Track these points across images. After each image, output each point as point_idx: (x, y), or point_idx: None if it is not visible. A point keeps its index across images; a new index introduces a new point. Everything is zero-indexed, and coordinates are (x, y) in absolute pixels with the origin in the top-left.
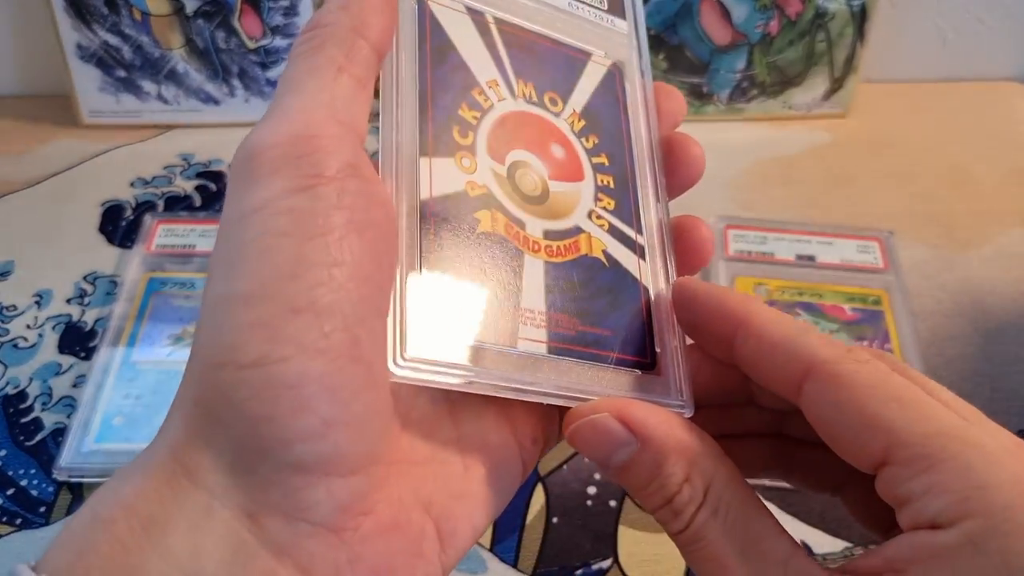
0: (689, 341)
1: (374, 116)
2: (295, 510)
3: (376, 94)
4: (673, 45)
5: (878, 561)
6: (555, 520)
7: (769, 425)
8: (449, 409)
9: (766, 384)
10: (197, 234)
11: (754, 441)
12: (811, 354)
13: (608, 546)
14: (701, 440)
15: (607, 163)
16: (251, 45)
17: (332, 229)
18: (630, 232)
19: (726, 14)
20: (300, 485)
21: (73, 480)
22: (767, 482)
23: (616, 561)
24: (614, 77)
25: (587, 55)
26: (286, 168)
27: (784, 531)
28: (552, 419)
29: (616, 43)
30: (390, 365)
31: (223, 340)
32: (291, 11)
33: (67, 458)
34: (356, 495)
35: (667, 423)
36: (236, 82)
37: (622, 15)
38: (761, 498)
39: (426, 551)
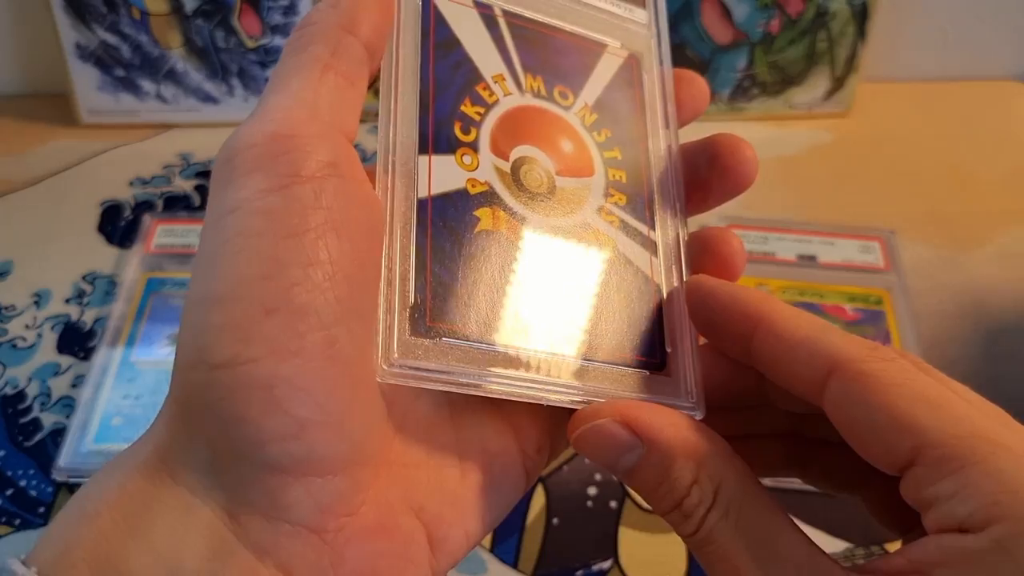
0: (702, 340)
1: (373, 115)
2: (274, 510)
3: (377, 92)
4: (674, 44)
5: (902, 562)
6: (555, 521)
7: (785, 426)
8: (449, 413)
9: (786, 384)
10: (196, 234)
11: (770, 440)
12: (835, 353)
13: (608, 547)
14: (710, 441)
15: (620, 157)
16: (250, 44)
17: (308, 229)
18: (643, 228)
19: (727, 13)
20: (277, 485)
21: (72, 481)
22: (768, 482)
23: (616, 562)
24: (631, 68)
25: (602, 47)
26: (263, 168)
27: (800, 530)
28: (558, 426)
29: (634, 33)
30: (379, 366)
31: (196, 341)
32: (290, 10)
33: (66, 459)
34: (338, 496)
35: (674, 425)
36: (235, 81)
37: (642, 4)
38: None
39: (414, 556)
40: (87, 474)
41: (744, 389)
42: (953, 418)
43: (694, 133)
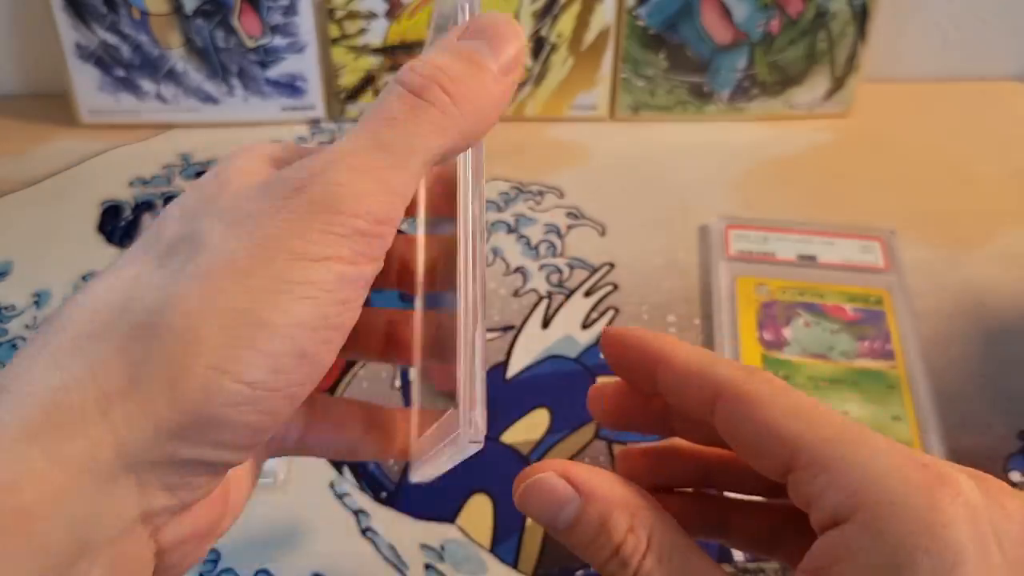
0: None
1: None
2: (176, 488)
3: None
4: (674, 44)
5: (806, 567)
6: None
7: (696, 477)
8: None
9: (685, 409)
10: None
11: (686, 500)
12: (719, 379)
13: None
14: (638, 493)
15: None
16: (250, 44)
17: (358, 307)
18: None
19: (727, 13)
20: (192, 472)
21: None
22: None
23: None
24: None
25: None
26: (356, 239)
27: (721, 570)
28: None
29: None
30: (479, 439)
31: (232, 353)
32: (290, 10)
33: None
34: (217, 483)
35: (608, 480)
36: (235, 81)
37: None
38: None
39: (229, 505)
40: None
41: (656, 420)
42: (818, 424)
43: (694, 134)
